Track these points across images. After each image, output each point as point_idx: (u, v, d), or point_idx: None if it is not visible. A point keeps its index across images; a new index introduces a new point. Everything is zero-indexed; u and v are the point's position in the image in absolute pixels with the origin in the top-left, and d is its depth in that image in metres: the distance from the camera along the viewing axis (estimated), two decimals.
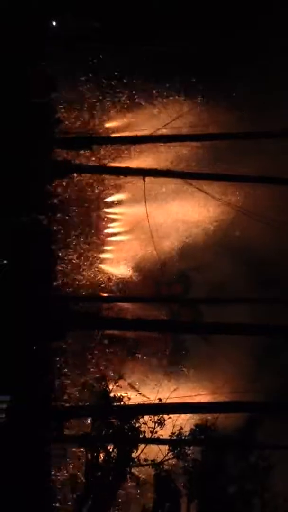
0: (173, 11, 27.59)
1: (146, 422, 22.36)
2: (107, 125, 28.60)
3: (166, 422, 22.61)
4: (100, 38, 28.09)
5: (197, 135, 27.00)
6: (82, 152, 26.92)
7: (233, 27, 27.81)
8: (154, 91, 27.97)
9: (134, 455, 22.15)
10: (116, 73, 27.81)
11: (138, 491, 23.08)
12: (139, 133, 26.76)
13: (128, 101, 28.35)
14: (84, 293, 28.08)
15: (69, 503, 23.68)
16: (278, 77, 27.04)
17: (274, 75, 26.91)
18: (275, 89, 26.76)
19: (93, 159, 27.63)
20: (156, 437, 22.52)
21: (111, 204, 29.12)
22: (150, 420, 22.44)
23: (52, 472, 24.45)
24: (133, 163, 27.27)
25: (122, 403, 22.69)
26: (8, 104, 24.90)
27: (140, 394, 24.73)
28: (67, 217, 27.98)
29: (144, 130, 26.69)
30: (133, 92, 27.99)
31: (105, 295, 28.61)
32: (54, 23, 28.32)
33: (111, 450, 22.24)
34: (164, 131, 26.32)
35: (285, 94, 27.06)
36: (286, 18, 27.19)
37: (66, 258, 28.32)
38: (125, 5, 27.37)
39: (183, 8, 27.83)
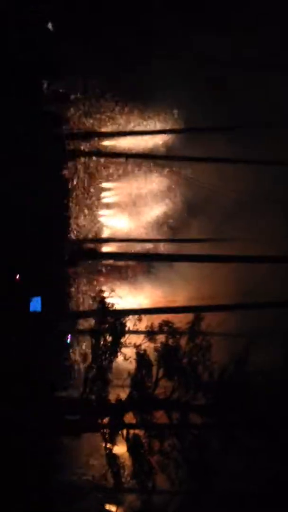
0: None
1: (130, 319, 28.70)
2: (99, 124, 35.80)
3: (143, 319, 28.89)
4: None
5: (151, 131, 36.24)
6: (84, 142, 35.23)
7: None
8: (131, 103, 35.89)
9: (122, 340, 28.25)
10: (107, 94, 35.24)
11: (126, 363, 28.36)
12: (122, 130, 34.95)
13: (113, 111, 35.66)
14: (89, 236, 35.71)
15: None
16: None
17: None
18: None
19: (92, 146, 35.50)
20: (136, 329, 28.71)
21: (105, 176, 36.92)
22: (132, 318, 28.83)
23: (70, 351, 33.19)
24: (118, 149, 35.57)
25: (114, 307, 29.05)
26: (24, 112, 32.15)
27: (125, 302, 32.25)
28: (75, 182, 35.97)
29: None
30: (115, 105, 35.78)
31: (102, 237, 36.25)
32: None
33: (108, 337, 28.44)
34: (134, 129, 34.98)
35: None
36: None
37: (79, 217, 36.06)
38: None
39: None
